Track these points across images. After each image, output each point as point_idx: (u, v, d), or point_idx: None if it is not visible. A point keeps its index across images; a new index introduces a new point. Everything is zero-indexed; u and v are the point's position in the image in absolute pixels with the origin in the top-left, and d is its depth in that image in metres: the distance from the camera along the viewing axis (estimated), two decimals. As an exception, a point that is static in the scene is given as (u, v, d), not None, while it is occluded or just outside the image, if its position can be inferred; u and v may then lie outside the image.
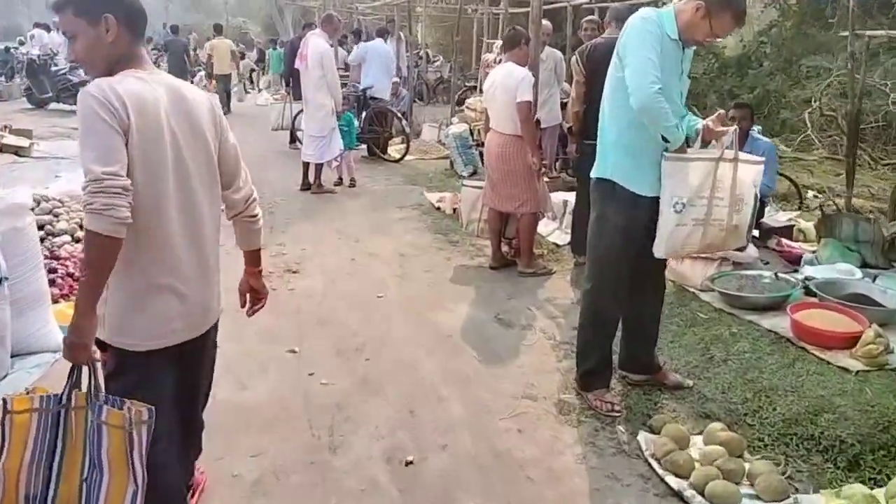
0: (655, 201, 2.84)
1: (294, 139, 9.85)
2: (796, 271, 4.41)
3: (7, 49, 17.73)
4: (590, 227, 3.09)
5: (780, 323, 3.70)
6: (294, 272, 4.84)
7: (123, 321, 1.81)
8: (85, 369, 1.78)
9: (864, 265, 4.45)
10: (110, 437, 1.72)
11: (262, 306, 2.29)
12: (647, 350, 3.27)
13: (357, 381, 3.33)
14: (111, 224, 1.61)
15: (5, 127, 8.46)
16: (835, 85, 9.85)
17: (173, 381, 1.96)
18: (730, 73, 11.96)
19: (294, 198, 7.16)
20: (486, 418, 3.04)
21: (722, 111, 2.97)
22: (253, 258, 2.22)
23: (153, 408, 1.74)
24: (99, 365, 1.79)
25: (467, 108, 8.92)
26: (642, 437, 2.86)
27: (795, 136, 10.17)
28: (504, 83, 4.69)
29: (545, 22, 6.44)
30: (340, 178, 7.78)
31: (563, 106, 7.03)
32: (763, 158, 3.08)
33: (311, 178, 7.37)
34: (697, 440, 2.85)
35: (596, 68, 4.59)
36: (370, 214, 6.57)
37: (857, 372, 3.19)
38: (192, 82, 18.12)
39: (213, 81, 13.72)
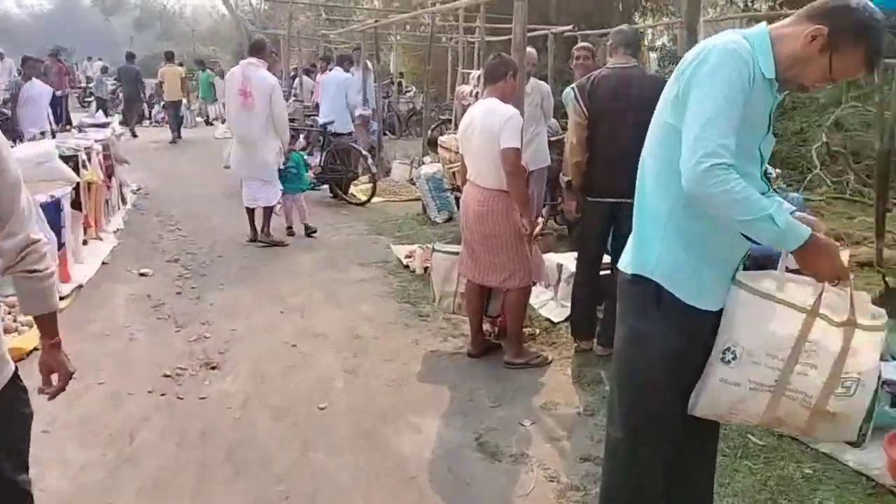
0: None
1: (247, 178, 8.81)
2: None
3: None
4: (618, 344, 2.04)
5: (871, 461, 2.67)
6: (213, 367, 3.71)
7: None
8: None
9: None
10: None
11: (63, 388, 1.78)
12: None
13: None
14: None
15: None
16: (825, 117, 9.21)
17: None
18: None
19: (236, 253, 6.06)
20: None
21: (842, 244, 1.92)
22: (43, 326, 1.73)
23: None
24: None
25: (441, 146, 7.89)
26: None
27: (791, 171, 9.54)
28: (485, 124, 3.66)
29: (530, 49, 5.49)
30: (291, 226, 6.71)
31: (551, 145, 6.12)
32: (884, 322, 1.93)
33: (259, 227, 6.34)
34: None
35: (602, 107, 3.62)
36: (324, 275, 5.48)
37: None
38: (149, 113, 17.26)
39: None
